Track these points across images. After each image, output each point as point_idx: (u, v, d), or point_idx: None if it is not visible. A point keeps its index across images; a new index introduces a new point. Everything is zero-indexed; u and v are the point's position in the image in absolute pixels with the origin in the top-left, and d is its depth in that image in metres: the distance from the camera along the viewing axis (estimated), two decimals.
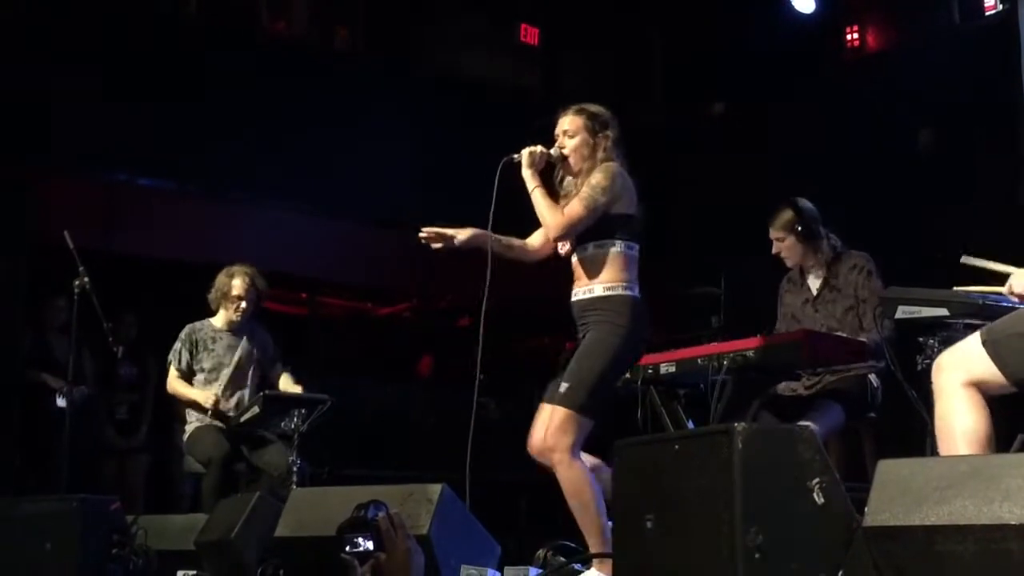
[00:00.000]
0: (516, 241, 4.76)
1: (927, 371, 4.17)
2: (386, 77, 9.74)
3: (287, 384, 6.71)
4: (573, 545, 4.67)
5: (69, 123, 8.11)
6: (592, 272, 4.50)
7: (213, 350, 6.66)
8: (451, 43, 10.30)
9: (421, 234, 4.68)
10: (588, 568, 4.39)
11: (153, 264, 8.92)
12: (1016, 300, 3.57)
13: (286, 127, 8.94)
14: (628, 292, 4.47)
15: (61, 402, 7.33)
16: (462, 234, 4.67)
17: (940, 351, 4.17)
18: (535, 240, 4.80)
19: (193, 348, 6.65)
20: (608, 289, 4.47)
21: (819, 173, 8.39)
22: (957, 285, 4.12)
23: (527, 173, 4.55)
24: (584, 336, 4.47)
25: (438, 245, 4.70)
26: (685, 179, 10.12)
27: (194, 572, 4.93)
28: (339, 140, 9.21)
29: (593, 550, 4.36)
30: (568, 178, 4.68)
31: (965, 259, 4.09)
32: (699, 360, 5.30)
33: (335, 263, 9.78)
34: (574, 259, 4.60)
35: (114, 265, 7.95)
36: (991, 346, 3.25)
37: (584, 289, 4.51)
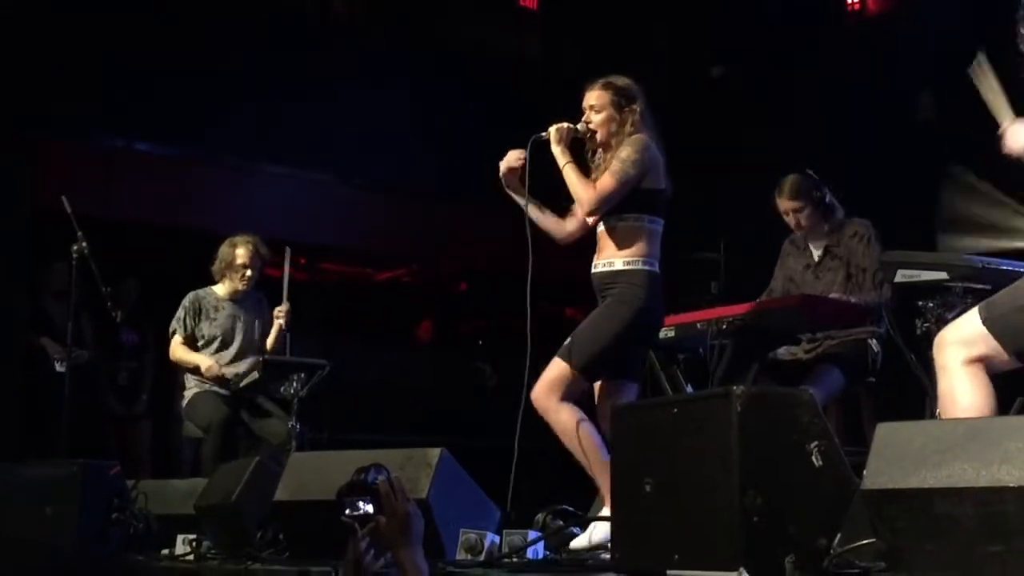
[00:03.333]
0: (551, 214, 4.73)
1: (926, 335, 4.18)
2: (385, 42, 9.69)
3: (272, 338, 6.70)
4: (572, 509, 4.69)
5: (67, 88, 8.08)
6: (614, 245, 4.55)
7: (215, 319, 6.67)
8: (450, 8, 10.24)
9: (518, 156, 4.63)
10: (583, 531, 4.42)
11: (151, 230, 8.90)
12: (1005, 148, 3.55)
13: (285, 92, 8.90)
14: (647, 267, 4.52)
15: (60, 367, 7.33)
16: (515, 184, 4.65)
17: (939, 314, 4.18)
18: (570, 223, 4.77)
19: (196, 316, 6.65)
20: (628, 263, 4.51)
21: (820, 137, 8.36)
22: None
23: (557, 150, 4.57)
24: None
25: (510, 168, 4.64)
26: (684, 144, 10.07)
27: (194, 536, 4.93)
28: (338, 105, 9.17)
29: (604, 489, 4.39)
30: (599, 152, 4.69)
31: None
32: (698, 325, 5.31)
33: (335, 228, 9.77)
34: (599, 230, 4.63)
35: (112, 231, 7.93)
36: (992, 323, 3.23)
37: (605, 262, 4.56)
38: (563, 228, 4.77)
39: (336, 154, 9.28)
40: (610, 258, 4.54)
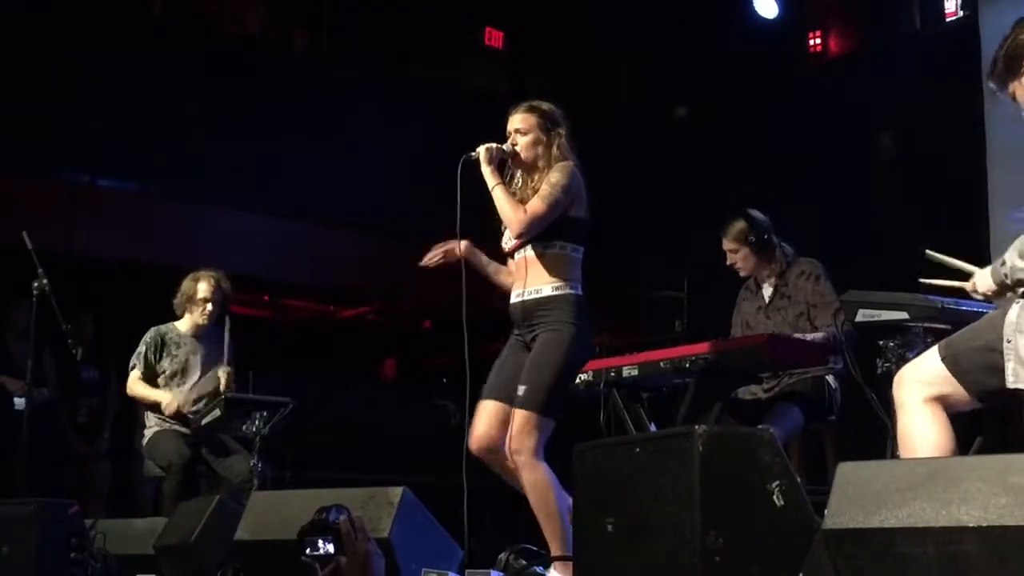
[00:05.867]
0: (505, 268, 4.74)
1: (887, 374, 4.21)
2: (349, 79, 9.72)
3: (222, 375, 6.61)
4: (535, 548, 4.67)
5: (30, 123, 8.05)
6: (539, 273, 4.51)
7: (176, 355, 6.61)
8: (415, 45, 10.29)
9: (428, 261, 4.68)
10: (548, 570, 4.39)
11: (114, 266, 8.85)
12: (979, 299, 3.57)
13: (249, 129, 8.90)
14: (575, 291, 4.50)
15: (20, 404, 7.25)
16: (460, 248, 4.64)
17: (899, 354, 4.21)
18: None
19: (157, 351, 6.60)
20: (557, 288, 4.48)
21: (782, 177, 8.43)
22: (922, 278, 4.14)
23: (487, 170, 4.55)
24: (533, 337, 4.48)
25: (441, 261, 4.69)
26: (649, 183, 10.14)
27: None
28: (302, 142, 9.18)
29: (556, 554, 4.37)
30: (517, 174, 4.68)
31: (929, 253, 4.11)
32: (662, 363, 5.31)
33: (298, 265, 9.75)
34: (519, 257, 4.60)
35: (74, 266, 7.88)
36: (951, 361, 3.26)
37: (532, 289, 4.51)
38: (510, 278, 4.73)
39: (299, 190, 9.27)
40: (536, 285, 4.50)
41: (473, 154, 4.58)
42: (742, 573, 2.80)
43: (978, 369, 3.23)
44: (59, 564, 4.75)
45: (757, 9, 9.23)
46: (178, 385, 6.57)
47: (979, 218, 7.24)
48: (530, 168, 4.64)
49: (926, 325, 4.25)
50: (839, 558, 2.54)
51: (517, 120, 4.65)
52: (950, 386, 3.26)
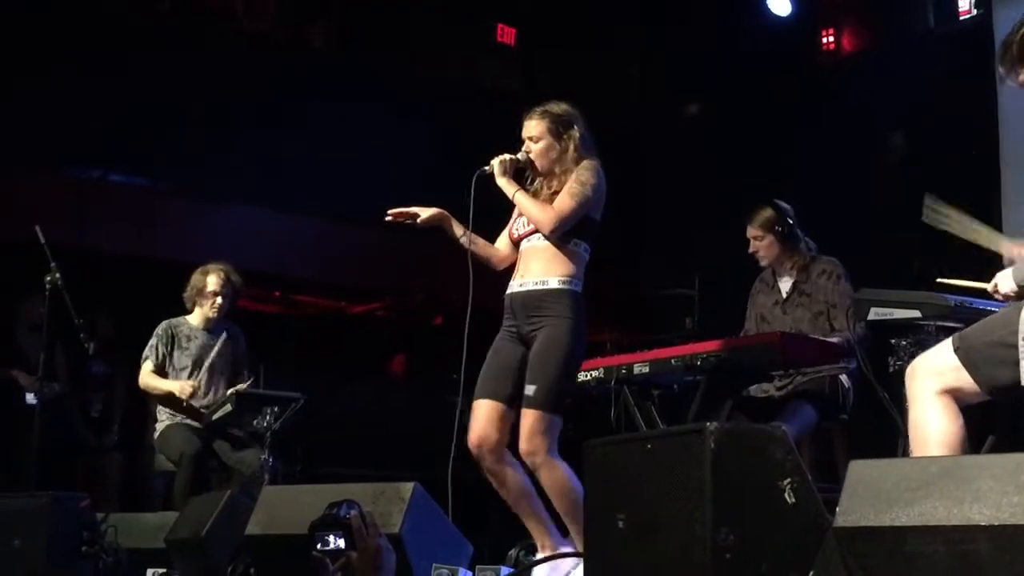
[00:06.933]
0: (482, 240, 4.77)
1: (899, 372, 4.19)
2: (360, 75, 9.71)
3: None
4: None
5: (42, 119, 8.06)
6: (547, 265, 4.54)
7: (188, 348, 6.63)
8: (427, 42, 10.28)
9: (387, 216, 4.72)
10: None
11: (125, 261, 8.87)
12: (1000, 299, 3.56)
13: (260, 125, 8.91)
14: (577, 288, 4.53)
15: (31, 398, 7.27)
16: (424, 212, 4.70)
17: (912, 353, 4.20)
18: (501, 245, 4.81)
19: (169, 344, 6.61)
20: (562, 283, 4.50)
21: (794, 175, 8.40)
22: (941, 278, 4.13)
23: (503, 181, 4.60)
24: (532, 331, 4.49)
25: (408, 221, 4.73)
26: (660, 180, 10.13)
27: (164, 570, 4.91)
28: (313, 138, 9.18)
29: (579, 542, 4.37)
30: (538, 179, 4.71)
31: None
32: (673, 361, 5.31)
33: (308, 261, 9.76)
34: (527, 247, 4.63)
35: (86, 262, 7.89)
36: (963, 353, 3.26)
37: (538, 280, 4.53)
38: (499, 253, 4.80)
39: (310, 186, 9.27)
40: (543, 276, 4.52)
41: (487, 168, 4.62)
42: (753, 570, 2.80)
43: (990, 363, 3.23)
44: (70, 557, 4.77)
45: (771, 7, 9.22)
46: (190, 378, 6.58)
47: (992, 218, 7.20)
48: (547, 174, 4.66)
49: (939, 323, 4.24)
50: (850, 556, 2.54)
51: (530, 127, 4.68)
52: (961, 378, 3.26)
